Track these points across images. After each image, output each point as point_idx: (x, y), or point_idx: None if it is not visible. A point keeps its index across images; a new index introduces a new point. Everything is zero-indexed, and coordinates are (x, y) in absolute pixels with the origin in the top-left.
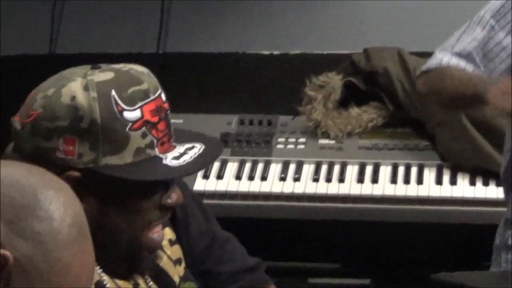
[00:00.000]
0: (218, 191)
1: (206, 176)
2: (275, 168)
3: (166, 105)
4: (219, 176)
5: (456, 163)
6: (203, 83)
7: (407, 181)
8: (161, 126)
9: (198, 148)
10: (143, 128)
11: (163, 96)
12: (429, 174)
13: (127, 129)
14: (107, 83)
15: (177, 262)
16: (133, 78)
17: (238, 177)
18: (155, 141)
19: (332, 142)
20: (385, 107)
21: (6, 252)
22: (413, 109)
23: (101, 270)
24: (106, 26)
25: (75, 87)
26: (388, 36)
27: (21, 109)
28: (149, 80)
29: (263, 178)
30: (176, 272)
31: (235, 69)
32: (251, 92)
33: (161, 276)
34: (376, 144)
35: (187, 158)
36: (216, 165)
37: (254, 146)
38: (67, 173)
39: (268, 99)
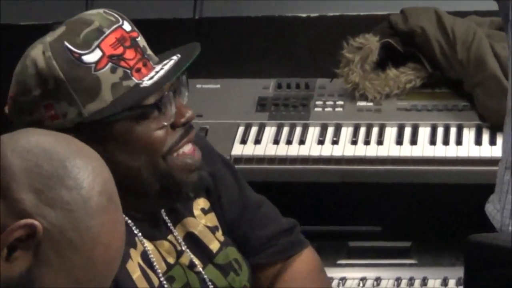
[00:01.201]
0: (256, 156)
1: (243, 141)
2: (313, 132)
3: (133, 33)
4: (257, 141)
5: (495, 123)
6: (239, 48)
7: (446, 142)
8: (128, 55)
9: (173, 61)
10: (109, 64)
11: (127, 26)
12: (468, 135)
13: (92, 71)
14: (60, 38)
15: (215, 229)
16: (83, 22)
17: (276, 141)
18: (128, 71)
19: (370, 104)
20: (423, 67)
21: (35, 222)
22: (451, 69)
23: (140, 233)
24: None
25: (35, 54)
26: None
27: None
28: (101, 17)
29: (301, 141)
30: (215, 239)
31: (272, 33)
32: (288, 55)
33: (196, 244)
34: (415, 105)
35: (161, 73)
36: (254, 130)
37: (291, 110)
38: None
39: (305, 62)
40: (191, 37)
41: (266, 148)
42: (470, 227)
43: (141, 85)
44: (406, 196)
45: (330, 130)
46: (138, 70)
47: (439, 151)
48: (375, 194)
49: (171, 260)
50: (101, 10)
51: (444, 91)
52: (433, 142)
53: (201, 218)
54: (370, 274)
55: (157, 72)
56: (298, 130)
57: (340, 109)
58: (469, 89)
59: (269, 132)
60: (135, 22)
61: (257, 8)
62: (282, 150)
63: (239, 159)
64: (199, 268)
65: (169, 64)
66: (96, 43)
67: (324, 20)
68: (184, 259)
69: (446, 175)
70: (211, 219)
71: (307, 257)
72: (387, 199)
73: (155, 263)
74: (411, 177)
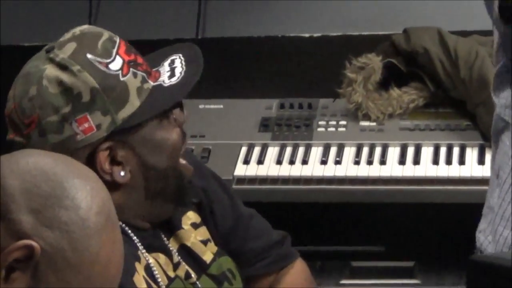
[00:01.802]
0: (259, 176)
1: (246, 161)
2: (316, 152)
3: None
4: (260, 161)
5: None
6: (242, 68)
7: (449, 161)
8: (139, 59)
9: (177, 57)
10: (131, 70)
11: None
12: (471, 154)
13: (120, 78)
14: (78, 52)
15: (207, 241)
16: (93, 35)
17: (279, 161)
18: (145, 75)
19: (373, 124)
20: (426, 87)
21: (33, 243)
22: (454, 89)
23: (142, 246)
24: (144, 12)
25: (52, 73)
26: (428, 15)
27: (10, 126)
28: (103, 29)
29: (304, 162)
30: (208, 249)
31: (275, 53)
32: (291, 75)
33: (190, 256)
34: (418, 125)
35: (179, 70)
36: (256, 150)
37: (294, 130)
38: (99, 149)
39: (308, 82)
40: None
41: (269, 169)
42: (473, 247)
43: (165, 85)
44: (409, 216)
45: (333, 150)
46: (149, 73)
47: (442, 171)
48: (378, 214)
49: (171, 273)
50: (88, 26)
51: (447, 111)
52: (436, 162)
53: (192, 232)
54: None
55: (171, 70)
56: (301, 150)
57: (343, 129)
58: (472, 109)
59: (272, 152)
60: (138, 42)
61: (259, 28)
62: (285, 170)
63: (242, 180)
64: (194, 279)
65: (178, 62)
66: (114, 51)
67: (326, 40)
68: (180, 271)
69: (449, 195)
70: (203, 233)
71: (300, 267)
72: (390, 219)
73: (158, 277)
74: (414, 197)
